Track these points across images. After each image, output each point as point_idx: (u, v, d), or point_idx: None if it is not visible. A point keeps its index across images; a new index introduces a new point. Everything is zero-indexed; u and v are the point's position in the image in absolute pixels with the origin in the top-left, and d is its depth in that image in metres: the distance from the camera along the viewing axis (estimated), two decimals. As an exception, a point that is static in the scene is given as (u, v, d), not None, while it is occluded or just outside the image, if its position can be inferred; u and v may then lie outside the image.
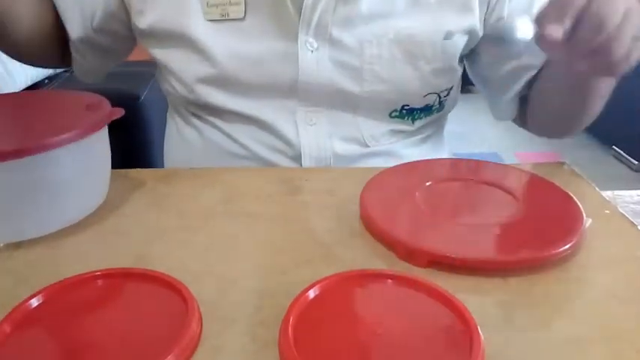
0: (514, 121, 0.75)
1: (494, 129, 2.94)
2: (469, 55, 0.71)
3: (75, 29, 0.69)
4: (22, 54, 0.70)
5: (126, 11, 0.67)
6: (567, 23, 0.44)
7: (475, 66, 0.72)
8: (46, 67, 0.75)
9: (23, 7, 0.61)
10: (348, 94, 0.66)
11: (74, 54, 0.72)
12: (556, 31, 0.44)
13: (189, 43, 0.64)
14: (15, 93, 0.63)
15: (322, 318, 0.36)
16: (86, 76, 0.77)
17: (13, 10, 0.60)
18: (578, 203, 0.50)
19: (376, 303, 0.39)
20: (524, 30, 0.47)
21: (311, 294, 0.38)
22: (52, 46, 0.71)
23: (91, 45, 0.71)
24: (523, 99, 0.70)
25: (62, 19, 0.68)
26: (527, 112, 0.71)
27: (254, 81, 0.65)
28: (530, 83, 0.68)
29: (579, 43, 0.45)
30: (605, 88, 0.61)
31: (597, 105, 0.63)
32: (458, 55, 0.67)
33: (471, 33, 0.66)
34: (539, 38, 0.45)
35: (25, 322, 0.36)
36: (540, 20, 0.45)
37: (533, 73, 0.67)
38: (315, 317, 0.36)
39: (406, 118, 0.70)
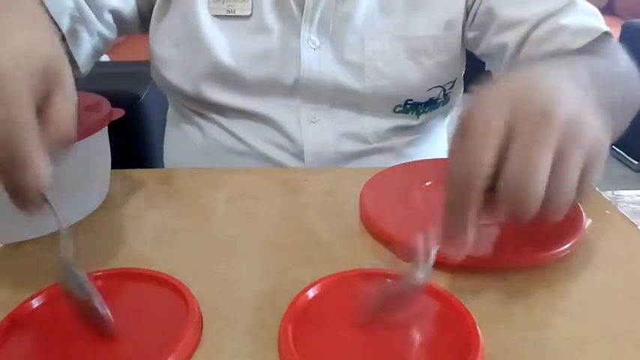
0: None
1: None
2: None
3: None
4: None
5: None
6: (468, 227, 0.34)
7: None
8: None
9: None
10: (351, 91, 0.66)
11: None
12: (460, 241, 0.34)
13: (194, 39, 0.64)
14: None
15: (322, 317, 0.36)
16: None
17: None
18: (579, 203, 0.50)
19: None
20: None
21: (310, 293, 0.38)
22: None
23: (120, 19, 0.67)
24: None
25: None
26: None
27: (256, 78, 0.65)
28: None
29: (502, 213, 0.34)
30: None
31: None
32: (460, 45, 0.67)
33: (467, 13, 0.65)
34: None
35: (25, 322, 0.36)
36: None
37: None
38: (315, 317, 0.36)
39: (411, 112, 0.69)
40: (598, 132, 0.34)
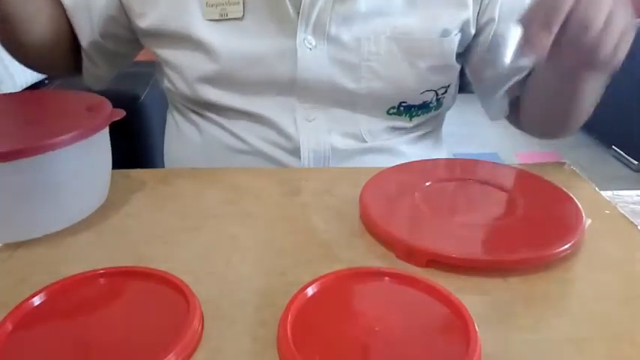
0: (509, 120, 0.75)
1: (494, 129, 2.94)
2: (463, 53, 0.71)
3: (85, 36, 0.69)
4: (32, 58, 0.69)
5: (126, 15, 0.68)
6: (554, 29, 0.44)
7: (467, 64, 0.72)
8: (54, 75, 0.76)
9: (35, 9, 0.61)
10: (346, 91, 0.66)
11: (86, 61, 0.73)
12: (544, 39, 0.44)
13: (190, 42, 0.65)
14: (15, 93, 0.64)
15: (320, 315, 0.36)
16: (95, 82, 0.77)
17: (25, 10, 0.60)
18: (578, 203, 0.50)
19: (374, 301, 0.39)
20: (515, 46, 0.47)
21: (309, 292, 0.38)
22: (64, 53, 0.71)
23: (100, 50, 0.72)
24: (516, 98, 0.71)
25: (73, 26, 0.68)
26: (519, 110, 0.71)
27: (253, 78, 0.65)
28: (521, 83, 0.68)
29: (566, 44, 0.46)
30: (594, 87, 0.60)
31: (587, 104, 0.63)
32: (454, 53, 0.67)
33: (464, 30, 0.67)
34: (527, 44, 0.45)
35: (27, 320, 0.36)
36: (527, 25, 0.45)
37: (523, 74, 0.67)
38: (314, 315, 0.36)
39: (404, 115, 0.70)
40: (629, 24, 0.48)
